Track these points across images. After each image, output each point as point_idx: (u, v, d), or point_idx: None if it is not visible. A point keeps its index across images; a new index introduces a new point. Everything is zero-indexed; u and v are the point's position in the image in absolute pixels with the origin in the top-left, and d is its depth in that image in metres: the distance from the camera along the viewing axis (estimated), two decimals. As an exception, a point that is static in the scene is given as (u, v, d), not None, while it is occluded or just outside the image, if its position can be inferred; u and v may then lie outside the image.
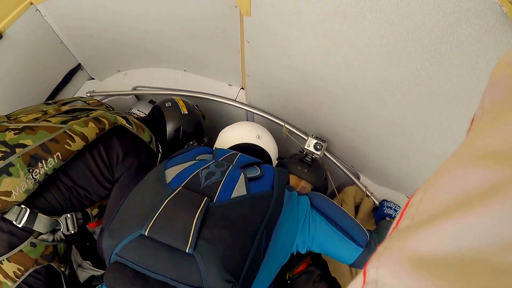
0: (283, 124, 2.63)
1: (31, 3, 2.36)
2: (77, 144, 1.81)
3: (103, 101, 3.02)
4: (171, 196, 1.29)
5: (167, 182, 1.40)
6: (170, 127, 2.45)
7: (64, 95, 3.09)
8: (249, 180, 1.43)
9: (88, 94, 3.14)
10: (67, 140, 1.78)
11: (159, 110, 2.51)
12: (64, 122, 1.85)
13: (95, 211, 1.96)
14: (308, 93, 2.15)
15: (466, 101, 1.39)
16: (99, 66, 3.17)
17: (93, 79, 3.31)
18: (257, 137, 2.16)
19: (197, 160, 1.60)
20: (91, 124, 1.88)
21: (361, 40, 1.51)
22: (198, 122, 2.61)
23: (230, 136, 2.20)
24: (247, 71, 2.42)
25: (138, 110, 2.87)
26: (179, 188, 1.33)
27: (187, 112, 2.52)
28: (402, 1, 1.24)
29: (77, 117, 1.92)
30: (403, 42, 1.37)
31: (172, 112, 2.49)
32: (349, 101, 1.94)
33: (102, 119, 1.94)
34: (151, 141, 2.15)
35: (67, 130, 1.80)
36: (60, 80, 2.97)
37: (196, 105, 2.68)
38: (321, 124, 2.41)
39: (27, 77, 2.61)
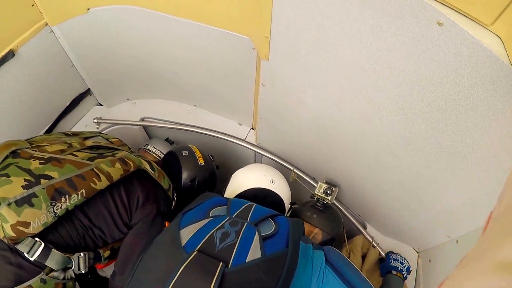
0: (292, 168, 2.63)
1: (46, 24, 2.38)
2: (102, 183, 1.80)
3: (109, 129, 3.07)
4: (186, 263, 1.29)
5: (182, 245, 1.39)
6: (185, 176, 2.45)
7: (72, 118, 3.10)
8: (264, 239, 1.43)
9: (95, 120, 3.15)
10: (94, 178, 1.76)
11: (176, 157, 2.51)
12: (91, 159, 1.84)
13: (107, 253, 1.93)
14: (320, 140, 2.17)
15: (478, 161, 1.41)
16: (108, 93, 3.19)
17: (101, 105, 3.32)
18: (271, 181, 2.14)
19: (211, 217, 1.59)
20: (117, 165, 1.87)
21: (377, 94, 1.54)
22: (212, 173, 2.60)
23: (243, 180, 2.18)
24: (260, 114, 2.44)
25: (154, 148, 2.88)
26: (194, 253, 1.33)
27: (203, 164, 2.52)
28: (421, 62, 1.27)
29: (102, 155, 1.92)
30: (419, 102, 1.39)
31: (189, 162, 2.49)
32: (361, 151, 1.96)
33: (128, 161, 1.94)
34: (169, 189, 2.15)
35: (94, 168, 1.79)
36: (68, 103, 2.98)
37: (211, 156, 2.69)
38: (331, 171, 2.42)
39: (36, 97, 2.62)
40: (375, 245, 2.39)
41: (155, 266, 1.36)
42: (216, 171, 2.66)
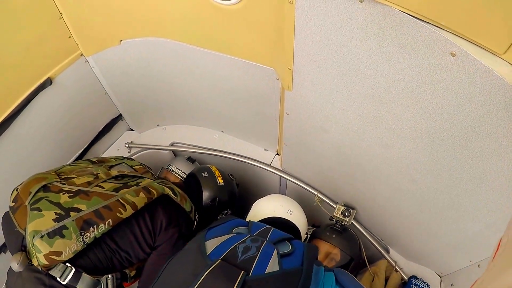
0: (315, 193, 2.67)
1: (82, 54, 2.54)
2: (127, 212, 1.88)
3: (140, 153, 3.20)
4: (210, 268, 1.37)
5: (207, 254, 1.48)
6: (206, 197, 2.53)
7: (104, 142, 3.25)
8: (281, 256, 1.49)
9: (127, 145, 3.28)
10: (119, 209, 1.86)
11: (196, 179, 2.59)
12: (116, 190, 1.93)
13: (133, 273, 2.00)
14: (342, 167, 2.21)
15: (496, 187, 1.44)
16: (139, 119, 3.32)
17: (132, 130, 3.45)
18: (289, 212, 2.21)
19: (234, 233, 1.67)
20: (141, 194, 1.96)
21: (396, 124, 1.59)
22: (232, 192, 2.68)
23: (263, 209, 2.27)
24: (285, 140, 2.50)
25: (176, 168, 2.94)
26: (218, 261, 1.40)
27: (223, 184, 2.60)
28: (437, 91, 1.32)
29: (127, 184, 2.00)
30: (436, 129, 1.44)
31: (209, 183, 2.57)
32: (381, 177, 2.00)
33: (152, 190, 2.02)
34: (191, 211, 2.22)
35: (119, 199, 1.88)
36: (101, 128, 3.13)
37: (231, 175, 2.76)
38: (353, 196, 2.46)
39: (71, 121, 2.75)
40: (398, 270, 2.40)
41: (181, 270, 1.45)
42: (236, 189, 2.73)
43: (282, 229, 1.80)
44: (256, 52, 1.99)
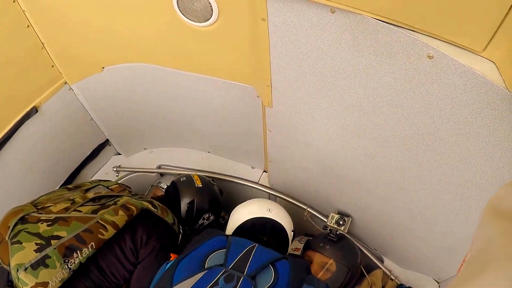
0: (305, 207, 2.64)
1: (66, 83, 2.53)
2: (110, 233, 1.85)
3: (128, 177, 3.20)
4: None
5: None
6: (184, 200, 2.47)
7: (92, 167, 3.24)
8: None
9: (115, 169, 3.27)
10: (100, 230, 1.82)
11: (174, 185, 2.55)
12: (94, 211, 1.90)
13: None
14: (330, 180, 2.19)
15: (486, 188, 1.42)
16: (126, 143, 3.31)
17: (119, 154, 3.44)
18: (268, 210, 2.11)
19: (206, 269, 1.56)
20: (120, 212, 1.93)
21: (379, 132, 1.56)
22: (213, 196, 2.61)
23: (241, 213, 2.17)
24: (270, 157, 2.48)
25: (166, 185, 2.91)
26: None
27: (201, 186, 2.54)
28: (417, 96, 1.30)
29: (105, 205, 1.98)
30: (420, 135, 1.42)
31: (186, 186, 2.52)
32: (369, 188, 1.97)
33: (130, 206, 1.99)
34: (174, 223, 2.19)
35: (99, 220, 1.85)
36: (88, 154, 3.11)
37: (212, 180, 2.72)
38: (343, 205, 2.43)
39: (58, 149, 2.74)
40: (393, 278, 2.36)
41: None
42: (218, 193, 2.67)
43: (265, 228, 1.71)
44: (235, 71, 1.99)
